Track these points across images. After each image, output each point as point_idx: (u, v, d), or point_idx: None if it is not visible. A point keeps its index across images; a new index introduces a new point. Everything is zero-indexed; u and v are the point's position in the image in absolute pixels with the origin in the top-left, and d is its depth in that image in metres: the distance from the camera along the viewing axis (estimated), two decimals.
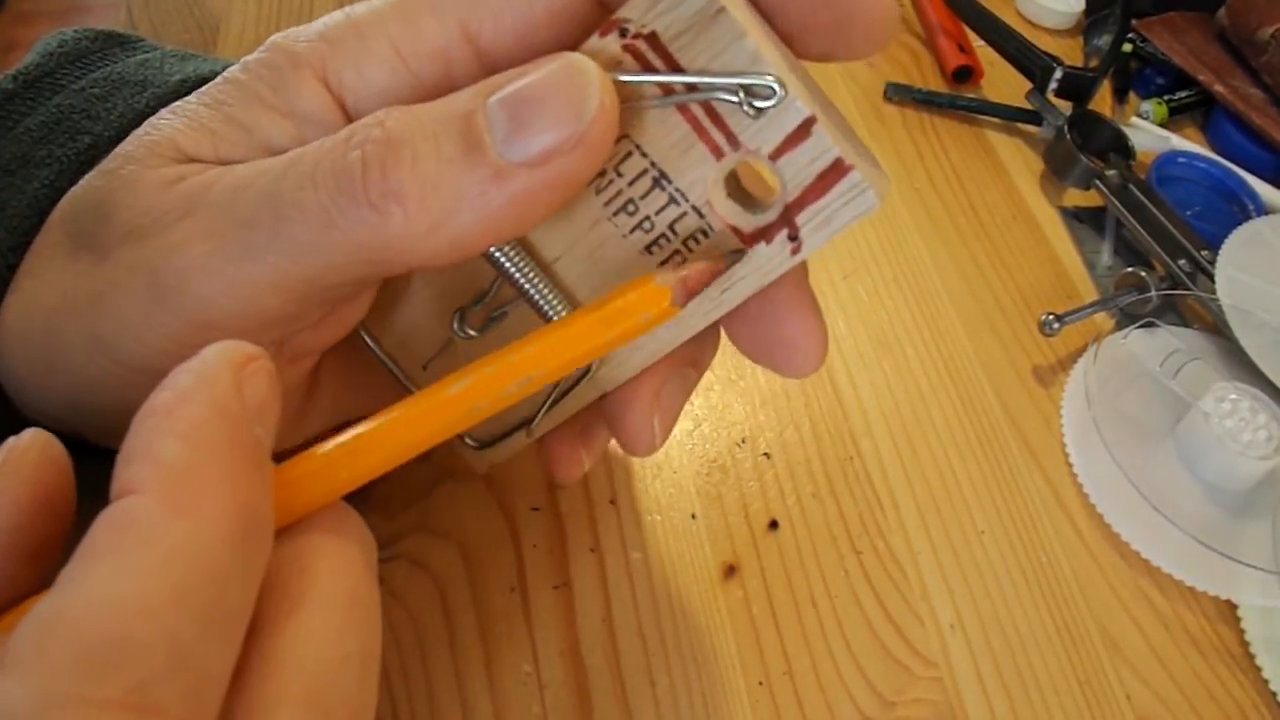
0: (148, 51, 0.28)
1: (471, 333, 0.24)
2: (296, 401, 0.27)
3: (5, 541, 0.15)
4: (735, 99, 0.18)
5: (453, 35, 0.20)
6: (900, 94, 0.49)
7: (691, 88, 0.19)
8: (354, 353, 0.27)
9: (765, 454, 0.35)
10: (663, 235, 0.21)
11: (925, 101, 0.50)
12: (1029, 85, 0.49)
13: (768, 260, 0.20)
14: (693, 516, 0.33)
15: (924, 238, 0.43)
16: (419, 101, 0.19)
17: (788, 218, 0.19)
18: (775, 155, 0.19)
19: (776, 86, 0.18)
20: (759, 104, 0.18)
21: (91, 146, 0.24)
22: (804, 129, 0.18)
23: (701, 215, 0.20)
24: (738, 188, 0.21)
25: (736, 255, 0.20)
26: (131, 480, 0.14)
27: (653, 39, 0.19)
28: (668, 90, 0.19)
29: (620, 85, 0.19)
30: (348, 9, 0.21)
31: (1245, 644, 0.32)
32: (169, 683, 0.13)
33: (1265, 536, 0.34)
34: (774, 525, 0.33)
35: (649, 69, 0.19)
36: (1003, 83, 0.51)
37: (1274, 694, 0.31)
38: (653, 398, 0.23)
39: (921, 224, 0.44)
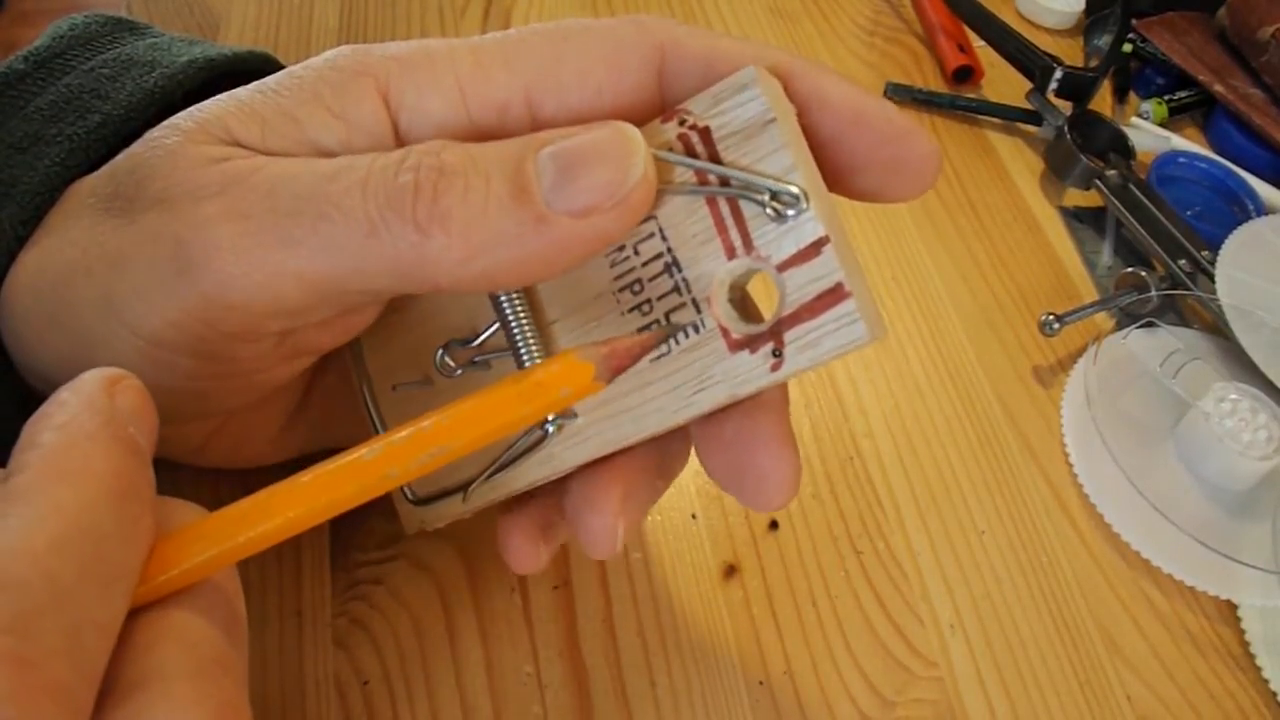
0: (156, 36, 0.28)
1: (451, 363, 0.24)
2: (286, 409, 0.27)
3: None
4: (761, 199, 0.19)
5: (516, 94, 0.21)
6: (900, 94, 0.49)
7: (725, 181, 0.19)
8: (348, 378, 0.27)
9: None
10: (656, 321, 0.21)
11: (925, 101, 0.50)
12: (1029, 85, 0.49)
13: (746, 370, 0.20)
14: (693, 516, 0.33)
15: (924, 238, 0.43)
16: (465, 138, 0.20)
17: (777, 332, 0.20)
18: (783, 267, 0.19)
19: (800, 198, 0.19)
20: (782, 210, 0.19)
21: (101, 125, 0.24)
22: (815, 247, 0.19)
23: (698, 310, 0.20)
24: (741, 299, 0.21)
25: (672, 329, 0.20)
26: (15, 465, 0.16)
27: (705, 133, 0.20)
28: (703, 180, 0.20)
29: (662, 165, 0.20)
30: (424, 40, 0.21)
31: (1245, 644, 0.32)
32: (48, 618, 0.14)
33: (1265, 536, 0.34)
34: (774, 525, 0.33)
35: (694, 157, 0.20)
36: (1003, 83, 0.51)
37: (1274, 694, 0.31)
38: (621, 503, 0.22)
39: (921, 224, 0.44)
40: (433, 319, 0.24)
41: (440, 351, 0.24)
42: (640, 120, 0.20)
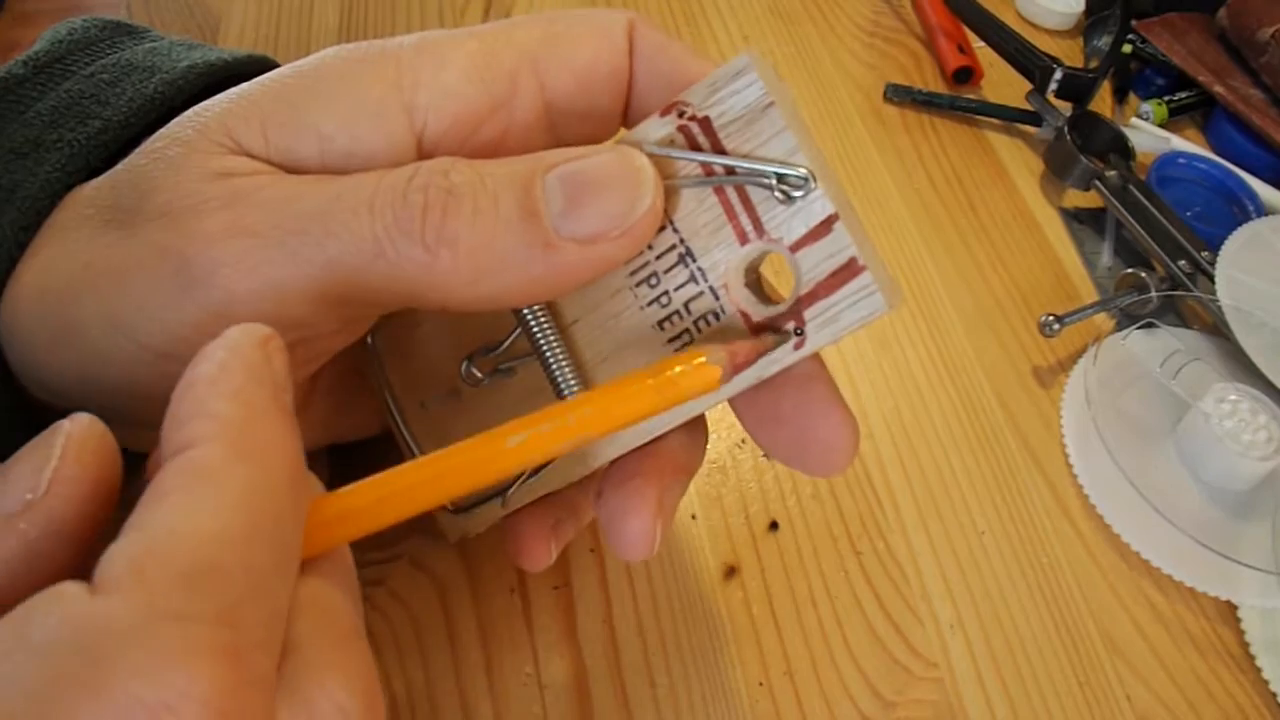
0: (155, 40, 0.28)
1: (479, 374, 0.24)
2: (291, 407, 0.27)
3: (64, 531, 0.15)
4: (769, 183, 0.19)
5: (523, 63, 0.21)
6: (900, 95, 0.49)
7: (731, 170, 0.20)
8: (348, 374, 0.27)
9: (765, 455, 0.35)
10: (676, 312, 0.21)
11: (925, 102, 0.50)
12: (1029, 86, 0.49)
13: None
14: (693, 517, 0.33)
15: (924, 238, 0.44)
16: (482, 111, 0.20)
17: (796, 311, 0.20)
18: (795, 247, 0.20)
19: (808, 178, 0.19)
20: (790, 192, 0.19)
21: (101, 131, 0.24)
22: (826, 225, 0.19)
23: (717, 297, 0.21)
24: (756, 281, 0.21)
25: (783, 337, 0.20)
26: (192, 435, 0.15)
27: (705, 123, 0.20)
28: (709, 171, 0.20)
29: (668, 161, 0.20)
30: (422, 32, 0.22)
31: (1245, 644, 0.32)
32: (252, 606, 0.14)
33: (1265, 537, 0.34)
34: (774, 526, 0.33)
35: (696, 149, 0.20)
36: (1003, 83, 0.51)
37: (1274, 694, 0.31)
38: (658, 504, 0.22)
39: (921, 224, 0.44)
40: (452, 330, 0.25)
41: (466, 363, 0.24)
42: (620, 78, 0.21)
